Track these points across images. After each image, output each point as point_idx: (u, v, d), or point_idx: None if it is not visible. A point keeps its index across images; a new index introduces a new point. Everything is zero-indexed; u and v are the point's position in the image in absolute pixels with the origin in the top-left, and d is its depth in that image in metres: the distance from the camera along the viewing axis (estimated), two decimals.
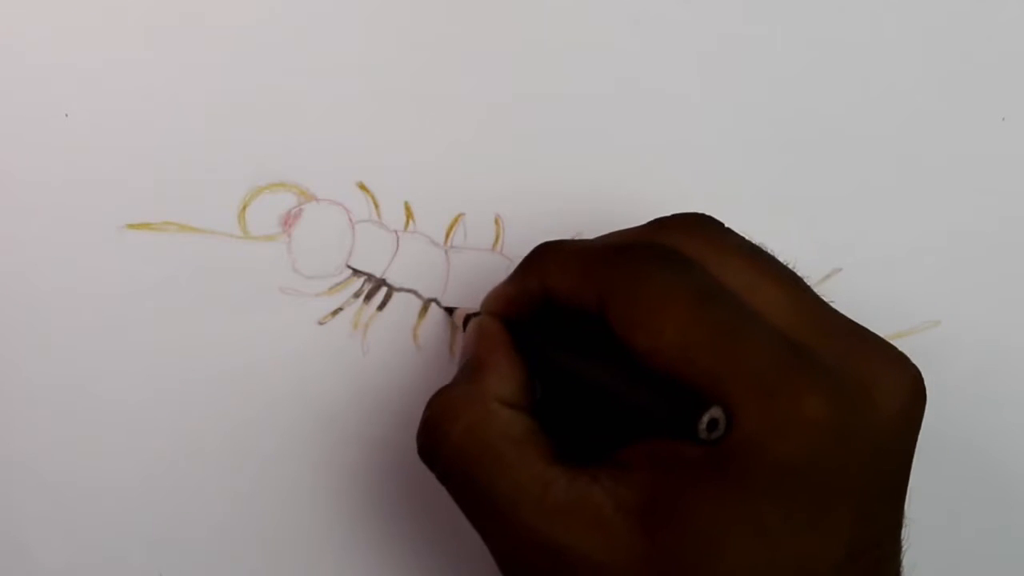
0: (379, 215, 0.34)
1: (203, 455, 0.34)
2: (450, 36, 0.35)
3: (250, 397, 0.34)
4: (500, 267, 0.35)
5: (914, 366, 0.26)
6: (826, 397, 0.25)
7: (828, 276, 0.36)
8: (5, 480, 0.33)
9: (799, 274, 0.28)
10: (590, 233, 0.34)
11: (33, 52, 0.32)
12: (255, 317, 0.34)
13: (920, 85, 0.37)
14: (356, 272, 0.34)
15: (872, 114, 0.37)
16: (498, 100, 0.35)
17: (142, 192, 0.33)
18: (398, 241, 0.34)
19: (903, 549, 0.27)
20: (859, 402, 0.25)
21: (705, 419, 0.25)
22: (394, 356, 0.34)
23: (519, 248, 0.34)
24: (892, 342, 0.27)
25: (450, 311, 0.34)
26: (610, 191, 0.35)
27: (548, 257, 0.29)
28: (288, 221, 0.34)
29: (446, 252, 0.35)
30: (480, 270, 0.35)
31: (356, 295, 0.34)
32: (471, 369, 0.29)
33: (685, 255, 0.27)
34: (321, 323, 0.34)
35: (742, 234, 0.28)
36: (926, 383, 0.27)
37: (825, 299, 0.28)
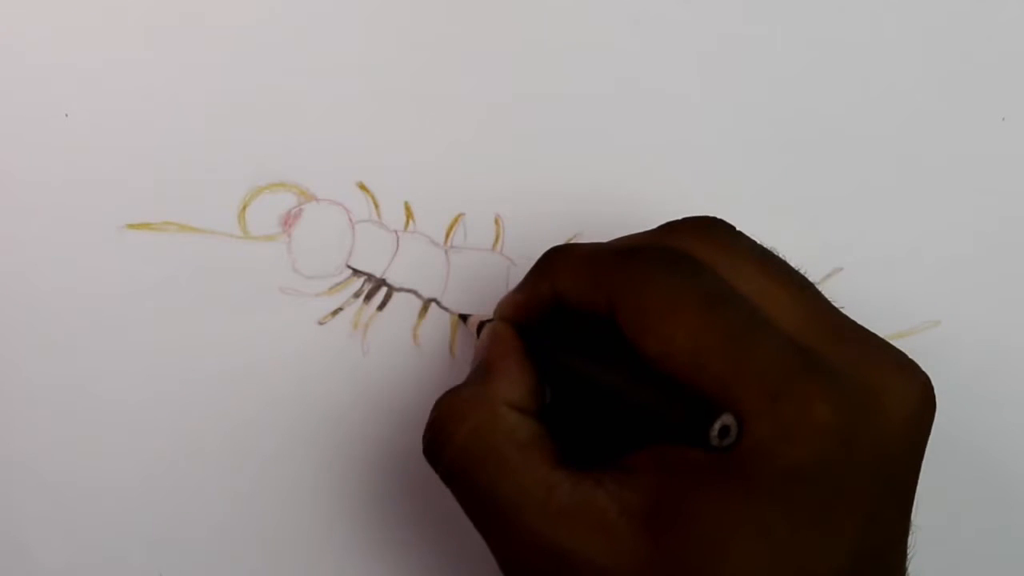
0: (379, 215, 0.34)
1: (203, 455, 0.34)
2: (450, 36, 0.35)
3: (250, 397, 0.34)
4: (500, 267, 0.35)
5: (923, 373, 0.26)
6: (836, 403, 0.25)
7: (828, 276, 0.36)
8: (5, 480, 0.33)
9: (808, 279, 0.28)
10: (590, 234, 0.34)
11: (33, 52, 0.33)
12: (255, 317, 0.34)
13: (920, 85, 0.37)
14: (356, 272, 0.34)
15: (872, 114, 0.37)
16: (498, 100, 0.35)
17: (142, 192, 0.33)
18: (398, 241, 0.34)
19: (909, 556, 0.27)
20: (869, 409, 0.25)
21: (717, 426, 0.25)
22: (394, 356, 0.34)
23: (519, 248, 0.34)
24: (892, 342, 0.27)
25: (464, 318, 0.34)
26: (610, 191, 0.35)
27: (558, 262, 0.29)
28: (288, 221, 0.34)
29: (446, 252, 0.35)
30: (480, 270, 0.35)
31: (356, 295, 0.34)
32: (481, 372, 0.29)
33: (696, 259, 0.27)
34: (321, 323, 0.34)
35: (752, 238, 0.28)
36: None
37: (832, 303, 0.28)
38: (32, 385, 0.33)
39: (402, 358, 0.34)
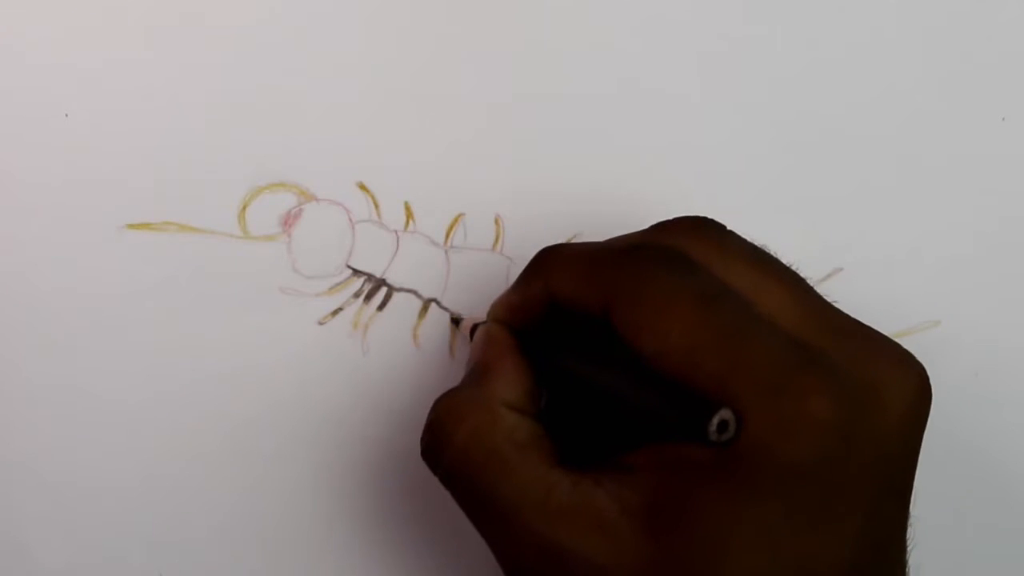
0: (379, 215, 0.34)
1: (203, 455, 0.34)
2: (450, 36, 0.35)
3: (250, 397, 0.34)
4: (500, 267, 0.35)
5: (920, 365, 0.26)
6: (833, 397, 0.25)
7: (828, 276, 0.36)
8: (5, 480, 0.33)
9: (800, 275, 0.28)
10: (590, 234, 0.34)
11: (33, 52, 0.33)
12: (255, 317, 0.34)
13: (920, 85, 0.37)
14: (356, 272, 0.34)
15: (872, 114, 0.37)
16: (498, 100, 0.35)
17: (142, 192, 0.33)
18: (398, 241, 0.34)
19: (909, 549, 0.27)
20: (866, 402, 0.25)
21: (715, 421, 0.25)
22: (394, 356, 0.34)
23: (519, 248, 0.35)
24: None
25: (457, 322, 0.34)
26: (610, 191, 0.35)
27: (552, 261, 0.29)
28: (288, 221, 0.34)
29: (446, 252, 0.35)
30: (480, 270, 0.35)
31: (356, 295, 0.34)
32: (478, 374, 0.29)
33: (689, 257, 0.27)
34: (321, 323, 0.34)
35: (744, 236, 0.28)
36: None
37: (828, 299, 0.28)
38: (32, 385, 0.33)
39: (402, 358, 0.34)
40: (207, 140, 0.33)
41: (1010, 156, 0.37)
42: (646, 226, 0.29)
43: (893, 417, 0.26)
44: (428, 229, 0.35)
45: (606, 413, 0.27)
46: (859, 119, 0.37)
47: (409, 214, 0.34)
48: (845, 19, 0.37)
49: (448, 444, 0.27)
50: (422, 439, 0.28)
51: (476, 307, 0.34)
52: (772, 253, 0.28)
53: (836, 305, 0.28)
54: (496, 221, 0.35)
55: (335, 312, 0.34)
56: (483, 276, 0.35)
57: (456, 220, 0.35)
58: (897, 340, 0.27)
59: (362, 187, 0.34)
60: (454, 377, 0.31)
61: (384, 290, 0.34)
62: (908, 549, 0.27)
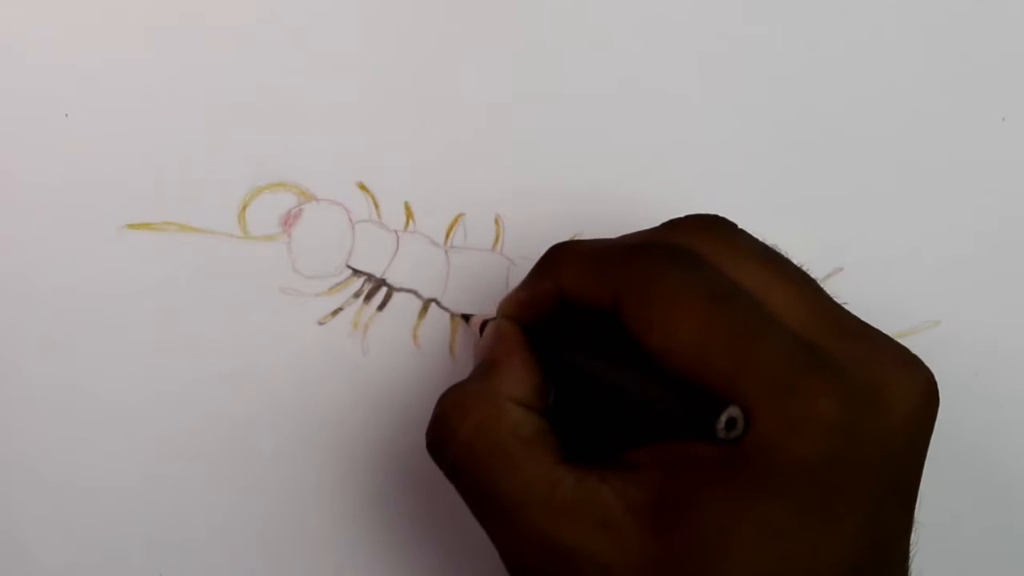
0: (379, 215, 0.34)
1: (203, 455, 0.34)
2: (450, 36, 0.35)
3: (250, 397, 0.34)
4: (500, 267, 0.35)
5: (927, 368, 0.26)
6: (840, 398, 0.25)
7: (829, 276, 0.36)
8: (5, 480, 0.33)
9: (810, 275, 0.28)
10: (590, 234, 0.34)
11: (33, 52, 0.33)
12: (255, 317, 0.34)
13: (920, 85, 0.37)
14: (356, 272, 0.34)
15: (872, 114, 0.37)
16: (498, 100, 0.35)
17: (142, 192, 0.33)
18: (398, 241, 0.34)
19: (912, 554, 0.27)
20: (872, 403, 0.25)
21: (723, 418, 0.25)
22: (394, 356, 0.34)
23: (519, 248, 0.34)
24: None
25: (467, 318, 0.34)
26: (610, 191, 0.35)
27: (562, 258, 0.29)
28: (288, 221, 0.34)
29: (446, 252, 0.35)
30: (480, 270, 0.35)
31: (356, 295, 0.34)
32: (485, 368, 0.29)
33: (699, 255, 0.27)
34: (321, 323, 0.34)
35: (754, 235, 0.28)
36: None
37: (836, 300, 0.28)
38: (32, 385, 0.33)
39: (402, 358, 0.34)
40: (207, 140, 0.33)
41: (1010, 156, 0.37)
42: (647, 226, 0.29)
43: (898, 418, 0.26)
44: (428, 229, 0.35)
45: (613, 410, 0.27)
46: (859, 119, 0.37)
47: (409, 214, 0.34)
48: (845, 19, 0.37)
49: (453, 438, 0.27)
50: (427, 432, 0.28)
51: (476, 307, 0.34)
52: (782, 252, 0.28)
53: (845, 307, 0.28)
54: (496, 221, 0.35)
55: (335, 312, 0.34)
56: (483, 276, 0.35)
57: (456, 220, 0.35)
58: (897, 340, 0.27)
59: (362, 187, 0.34)
60: (454, 377, 0.31)
61: (384, 290, 0.34)
62: (912, 553, 0.27)
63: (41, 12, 0.32)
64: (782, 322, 0.26)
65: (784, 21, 0.36)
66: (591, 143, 0.35)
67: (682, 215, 0.29)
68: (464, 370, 0.30)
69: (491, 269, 0.35)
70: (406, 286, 0.34)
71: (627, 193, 0.35)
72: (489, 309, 0.31)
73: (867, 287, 0.36)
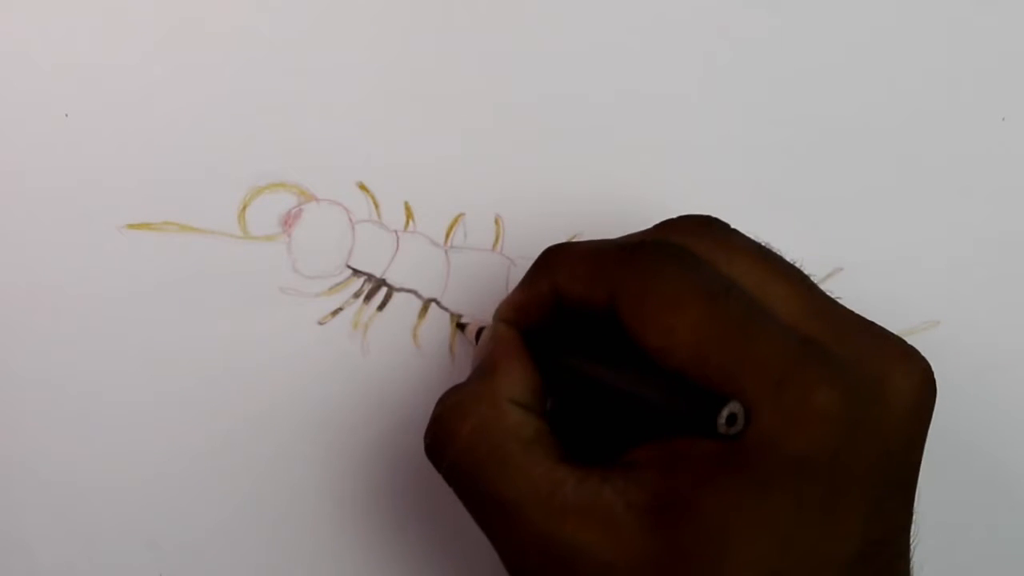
0: (379, 215, 0.34)
1: (203, 455, 0.34)
2: (450, 36, 0.35)
3: (250, 397, 0.34)
4: (500, 267, 0.35)
5: (924, 359, 0.27)
6: (839, 391, 0.25)
7: (829, 276, 0.36)
8: (5, 480, 0.33)
9: (804, 272, 0.28)
10: (590, 234, 0.34)
11: (33, 52, 0.32)
12: (255, 317, 0.34)
13: (920, 85, 0.37)
14: (356, 272, 0.34)
15: (872, 114, 0.37)
16: (498, 100, 0.35)
17: (142, 192, 0.33)
18: (398, 241, 0.34)
19: (912, 546, 0.27)
20: (871, 396, 0.25)
21: (724, 414, 0.25)
22: (394, 356, 0.34)
23: (519, 248, 0.34)
24: None
25: (462, 327, 0.34)
26: (610, 191, 0.35)
27: (558, 259, 0.29)
28: (288, 221, 0.34)
29: (446, 252, 0.35)
30: (480, 270, 0.35)
31: (356, 295, 0.34)
32: (484, 371, 0.29)
33: (695, 254, 0.27)
34: (321, 323, 0.34)
35: (748, 235, 0.28)
36: None
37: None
38: (32, 385, 0.33)
39: (402, 358, 0.34)
40: (207, 140, 0.33)
41: (1010, 156, 0.37)
42: (646, 226, 0.29)
43: (898, 411, 0.26)
44: (428, 229, 0.35)
45: (612, 410, 0.27)
46: (859, 119, 0.37)
47: (409, 214, 0.34)
48: (845, 19, 0.37)
49: (452, 439, 0.27)
50: (426, 434, 0.28)
51: (476, 307, 0.34)
52: (776, 251, 0.28)
53: (840, 302, 0.28)
54: (496, 221, 0.35)
55: (335, 312, 0.34)
56: (483, 276, 0.35)
57: (456, 220, 0.35)
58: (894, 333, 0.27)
59: (362, 187, 0.34)
60: (454, 377, 0.32)
61: (384, 290, 0.34)
62: (912, 545, 0.27)
63: (41, 12, 0.32)
64: (779, 318, 0.26)
65: (784, 21, 0.36)
66: (591, 143, 0.35)
67: (675, 216, 0.29)
68: (464, 370, 0.30)
69: (491, 269, 0.35)
70: (406, 286, 0.34)
71: (627, 193, 0.35)
72: (487, 310, 0.31)
73: (867, 287, 0.36)
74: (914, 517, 0.27)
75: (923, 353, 0.27)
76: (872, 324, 0.27)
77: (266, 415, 0.34)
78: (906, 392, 0.26)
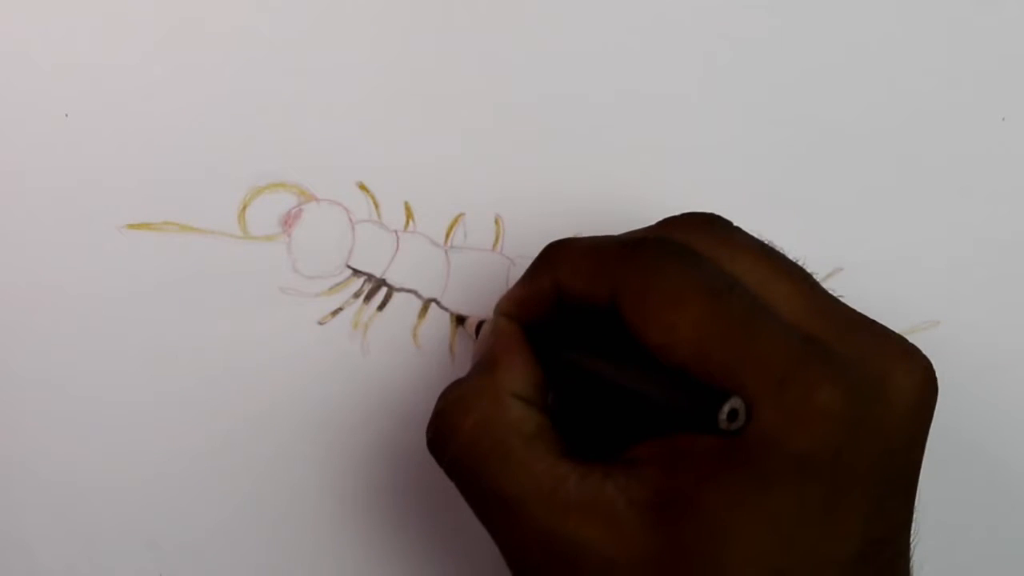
0: (379, 215, 0.34)
1: (203, 455, 0.34)
2: (450, 36, 0.35)
3: (250, 397, 0.34)
4: (500, 267, 0.35)
5: (925, 358, 0.27)
6: (841, 388, 0.25)
7: (829, 276, 0.36)
8: (5, 480, 0.33)
9: (807, 270, 0.28)
10: (590, 233, 0.34)
11: (33, 52, 0.32)
12: (255, 317, 0.34)
13: (920, 85, 0.37)
14: (356, 272, 0.34)
15: (872, 115, 0.37)
16: (499, 100, 0.35)
17: (142, 192, 0.33)
18: (398, 241, 0.34)
19: (913, 545, 0.27)
20: (873, 394, 0.25)
21: (726, 409, 0.25)
22: (394, 356, 0.34)
23: (519, 248, 0.34)
24: None
25: (461, 321, 0.34)
26: (610, 191, 0.35)
27: (559, 255, 0.29)
28: (288, 221, 0.34)
29: (446, 252, 0.35)
30: (480, 270, 0.35)
31: (356, 295, 0.34)
32: (485, 365, 0.29)
33: (697, 251, 0.27)
34: (321, 323, 0.34)
35: (751, 233, 0.28)
36: None
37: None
38: (32, 385, 0.33)
39: (402, 358, 0.34)
40: (207, 140, 0.33)
41: (1010, 156, 0.37)
42: (647, 226, 0.29)
43: (900, 409, 0.26)
44: (428, 229, 0.35)
45: (614, 406, 0.27)
46: (859, 119, 0.37)
47: (409, 214, 0.34)
48: (845, 19, 0.37)
49: (454, 434, 0.27)
50: (428, 429, 0.28)
51: (476, 307, 0.34)
52: (779, 249, 0.28)
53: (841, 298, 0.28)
54: (496, 221, 0.35)
55: (335, 312, 0.34)
56: (483, 276, 0.35)
57: (456, 220, 0.35)
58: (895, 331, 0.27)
59: (362, 187, 0.34)
60: (454, 377, 0.31)
61: (384, 290, 0.34)
62: (912, 544, 0.27)
63: (41, 12, 0.32)
64: (781, 316, 0.26)
65: (784, 21, 0.36)
66: (591, 143, 0.35)
67: (678, 213, 0.29)
68: (464, 370, 0.30)
69: (491, 269, 0.35)
70: (406, 286, 0.34)
71: (627, 193, 0.35)
72: (487, 310, 0.31)
73: (867, 287, 0.36)
74: (915, 517, 0.27)
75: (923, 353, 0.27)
76: (874, 323, 0.27)
77: (266, 415, 0.34)
78: (908, 391, 0.26)
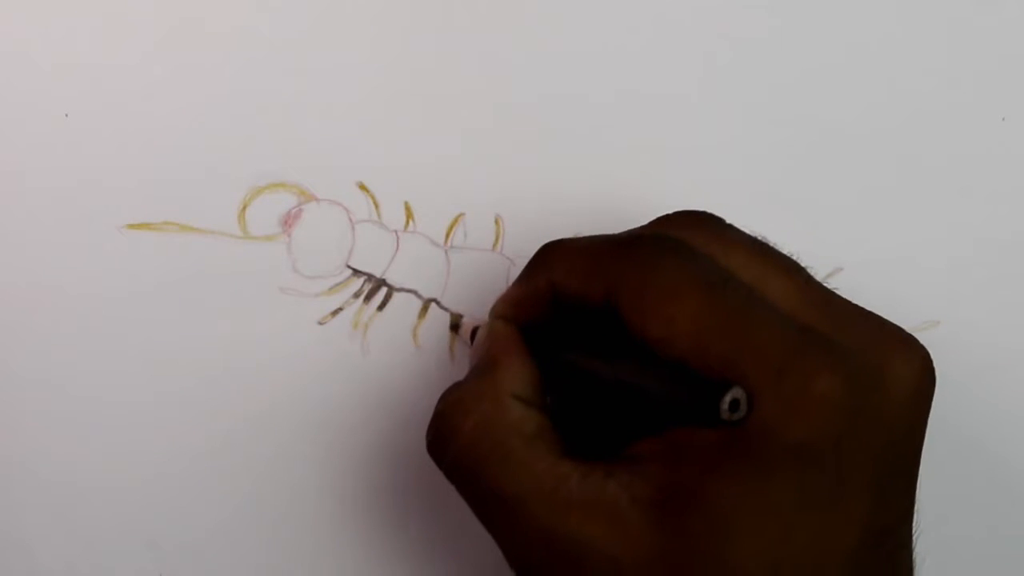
0: (379, 215, 0.34)
1: (203, 455, 0.34)
2: (450, 36, 0.35)
3: (250, 397, 0.34)
4: (500, 267, 0.35)
5: (923, 347, 0.27)
6: (840, 377, 0.25)
7: (829, 276, 0.36)
8: (5, 480, 0.33)
9: (801, 264, 0.28)
10: (590, 233, 0.34)
11: (33, 52, 0.32)
12: (255, 317, 0.34)
13: (920, 85, 0.37)
14: (356, 272, 0.34)
15: (872, 114, 0.37)
16: (499, 100, 0.35)
17: (142, 192, 0.33)
18: (398, 241, 0.34)
19: (915, 536, 0.27)
20: (872, 383, 0.25)
21: (727, 399, 0.25)
22: (394, 356, 0.34)
23: (519, 248, 0.35)
24: None
25: (456, 327, 0.34)
26: (610, 191, 0.35)
27: (554, 255, 0.29)
28: (288, 221, 0.34)
29: (446, 252, 0.35)
30: (480, 270, 0.35)
31: (356, 295, 0.34)
32: (483, 367, 0.29)
33: (692, 247, 0.27)
34: (321, 323, 0.34)
35: (744, 230, 0.28)
36: None
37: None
38: (32, 385, 0.33)
39: (402, 358, 0.34)
40: (207, 140, 0.33)
41: (1010, 156, 0.37)
42: None
43: (899, 398, 0.26)
44: (428, 229, 0.35)
45: (614, 404, 0.27)
46: (859, 119, 0.37)
47: (409, 214, 0.34)
48: (845, 19, 0.37)
49: (454, 436, 0.27)
50: (428, 432, 0.28)
51: (476, 307, 0.34)
52: (773, 245, 0.28)
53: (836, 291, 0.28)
54: (496, 221, 0.35)
55: (335, 312, 0.34)
56: (483, 276, 0.35)
57: (456, 220, 0.35)
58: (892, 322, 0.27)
59: (362, 187, 0.34)
60: (454, 377, 0.31)
61: (384, 290, 0.34)
62: (914, 536, 0.27)
63: (41, 12, 0.32)
64: (777, 308, 0.26)
65: (784, 21, 0.36)
66: (591, 143, 0.35)
67: (672, 211, 0.29)
68: (463, 370, 0.30)
69: (491, 269, 0.35)
70: (406, 286, 0.34)
71: (627, 193, 0.35)
72: (487, 310, 0.31)
73: (867, 287, 0.36)
74: (915, 516, 0.27)
75: None
76: (871, 314, 0.27)
77: (266, 415, 0.34)
78: (906, 379, 0.26)
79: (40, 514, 0.33)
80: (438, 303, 0.35)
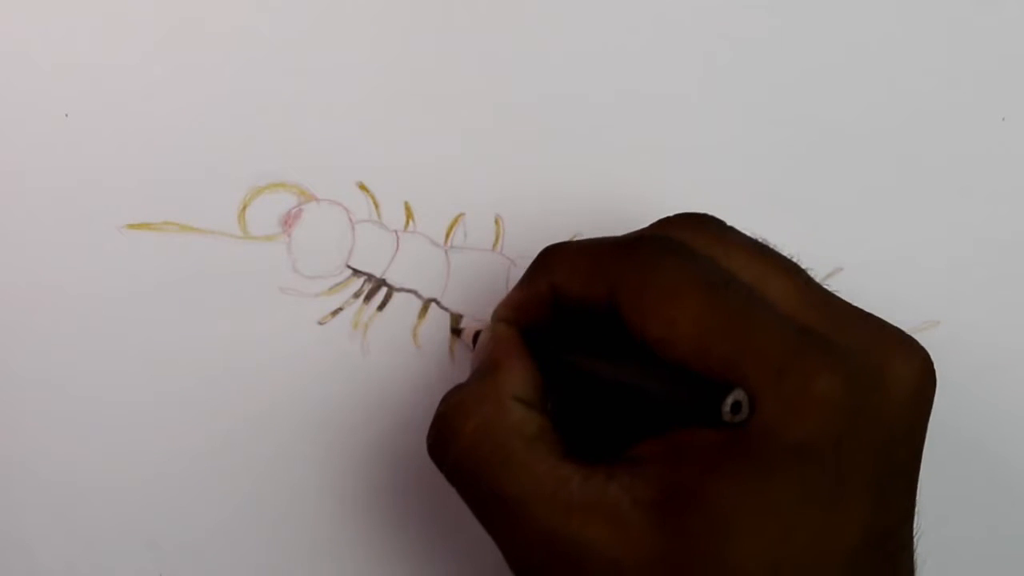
0: (379, 215, 0.34)
1: (203, 455, 0.34)
2: (450, 36, 0.35)
3: (250, 397, 0.34)
4: (500, 267, 0.35)
5: (923, 349, 0.27)
6: (840, 377, 0.25)
7: (829, 276, 0.36)
8: (5, 480, 0.33)
9: (801, 266, 0.28)
10: (590, 234, 0.34)
11: (33, 52, 0.32)
12: (255, 317, 0.34)
13: (920, 85, 0.37)
14: (356, 272, 0.34)
15: (872, 115, 0.37)
16: (499, 100, 0.35)
17: (142, 192, 0.33)
18: (398, 241, 0.34)
19: (916, 537, 0.27)
20: (871, 383, 0.25)
21: (729, 401, 0.25)
22: (394, 356, 0.34)
23: (519, 248, 0.35)
24: None
25: (458, 332, 0.34)
26: (610, 191, 0.35)
27: (555, 258, 0.29)
28: (288, 221, 0.34)
29: (446, 252, 0.35)
30: (480, 270, 0.35)
31: (356, 295, 0.34)
32: (485, 370, 0.29)
33: (693, 248, 0.27)
34: (321, 323, 0.34)
35: (744, 232, 0.28)
36: None
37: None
38: (32, 385, 0.33)
39: (402, 358, 0.34)
40: (207, 140, 0.33)
41: (1010, 156, 0.37)
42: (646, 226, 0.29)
43: (899, 398, 0.26)
44: (428, 229, 0.35)
45: (615, 406, 0.27)
46: (859, 119, 0.37)
47: (409, 214, 0.34)
48: (845, 19, 0.37)
49: (455, 438, 0.27)
50: (429, 434, 0.28)
51: (476, 307, 0.34)
52: (773, 247, 0.28)
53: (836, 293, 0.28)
54: (496, 221, 0.35)
55: (335, 312, 0.34)
56: (483, 276, 0.35)
57: (456, 220, 0.35)
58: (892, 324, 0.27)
59: (362, 187, 0.34)
60: (454, 377, 0.32)
61: (384, 290, 0.34)
62: (915, 536, 0.27)
63: (41, 12, 0.32)
64: (778, 309, 0.26)
65: (784, 21, 0.36)
66: (591, 143, 0.35)
67: (673, 214, 0.29)
68: (464, 371, 0.30)
69: (491, 269, 0.35)
70: (406, 286, 0.34)
71: (627, 193, 0.35)
72: (487, 310, 0.31)
73: (867, 287, 0.36)
74: (916, 516, 0.27)
75: None
76: (870, 315, 0.27)
77: (266, 415, 0.34)
78: (906, 379, 0.26)
79: (40, 514, 0.33)
80: (438, 303, 0.35)
